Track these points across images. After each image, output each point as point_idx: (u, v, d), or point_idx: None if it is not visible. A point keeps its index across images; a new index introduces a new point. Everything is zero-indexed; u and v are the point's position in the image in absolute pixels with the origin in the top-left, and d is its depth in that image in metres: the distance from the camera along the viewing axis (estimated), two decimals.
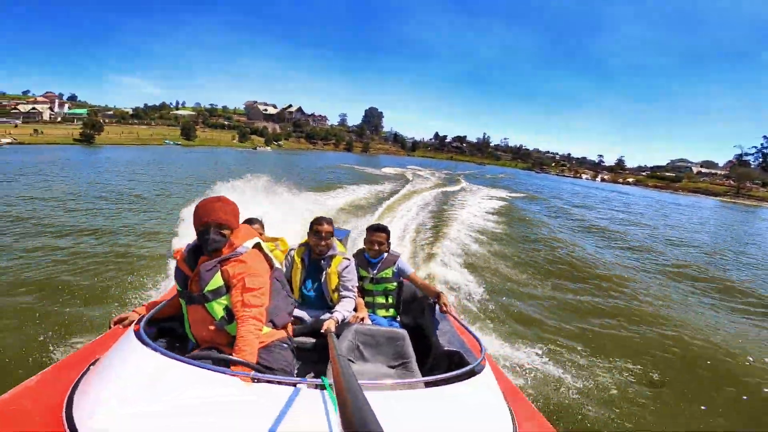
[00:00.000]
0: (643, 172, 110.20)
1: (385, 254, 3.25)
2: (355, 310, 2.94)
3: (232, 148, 68.59)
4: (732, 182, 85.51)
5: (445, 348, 2.50)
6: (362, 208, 13.55)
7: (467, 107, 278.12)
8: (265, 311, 1.97)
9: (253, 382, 1.58)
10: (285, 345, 2.08)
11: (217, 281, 1.94)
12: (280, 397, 1.51)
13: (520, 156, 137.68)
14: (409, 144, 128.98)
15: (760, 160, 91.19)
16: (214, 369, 1.62)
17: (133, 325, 2.00)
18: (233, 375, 1.59)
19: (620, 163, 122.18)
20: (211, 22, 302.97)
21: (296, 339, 2.60)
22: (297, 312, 2.74)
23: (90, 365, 1.89)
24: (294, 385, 1.59)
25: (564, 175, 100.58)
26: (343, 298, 2.89)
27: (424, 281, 3.32)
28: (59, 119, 77.57)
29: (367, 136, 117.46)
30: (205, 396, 1.50)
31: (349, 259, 2.99)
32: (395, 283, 3.25)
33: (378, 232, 3.22)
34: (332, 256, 2.95)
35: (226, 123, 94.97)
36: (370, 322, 2.87)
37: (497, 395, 1.96)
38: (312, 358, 2.56)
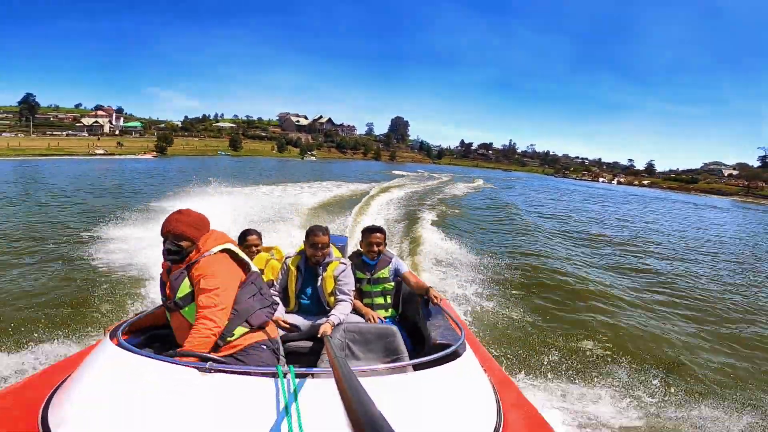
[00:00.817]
0: (673, 174, 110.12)
1: (382, 255, 3.25)
2: (362, 315, 3.02)
3: (287, 159, 76.56)
4: (744, 182, 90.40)
5: (438, 341, 2.52)
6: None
7: (494, 114, 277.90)
8: (222, 311, 1.96)
9: (209, 372, 1.61)
10: (263, 347, 2.08)
11: (185, 287, 2.02)
12: (233, 386, 1.56)
13: (548, 162, 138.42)
14: (435, 152, 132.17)
15: None
16: (169, 360, 1.67)
17: (110, 332, 2.02)
18: (186, 366, 1.64)
19: (650, 167, 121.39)
20: (242, 35, 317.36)
21: (292, 344, 2.74)
22: (291, 318, 2.85)
23: (64, 379, 1.92)
24: (248, 374, 1.64)
25: (583, 179, 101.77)
26: (340, 301, 2.90)
27: (416, 279, 3.37)
28: (117, 132, 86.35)
29: (394, 145, 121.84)
30: (160, 386, 1.57)
31: (345, 263, 3.02)
32: (392, 283, 3.27)
33: (376, 233, 3.23)
34: (329, 263, 2.97)
35: (264, 134, 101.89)
36: (381, 319, 2.98)
37: (480, 374, 2.09)
38: (309, 362, 2.56)
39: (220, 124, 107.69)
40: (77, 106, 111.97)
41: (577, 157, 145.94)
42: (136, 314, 2.43)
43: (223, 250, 2.09)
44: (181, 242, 2.05)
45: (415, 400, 1.69)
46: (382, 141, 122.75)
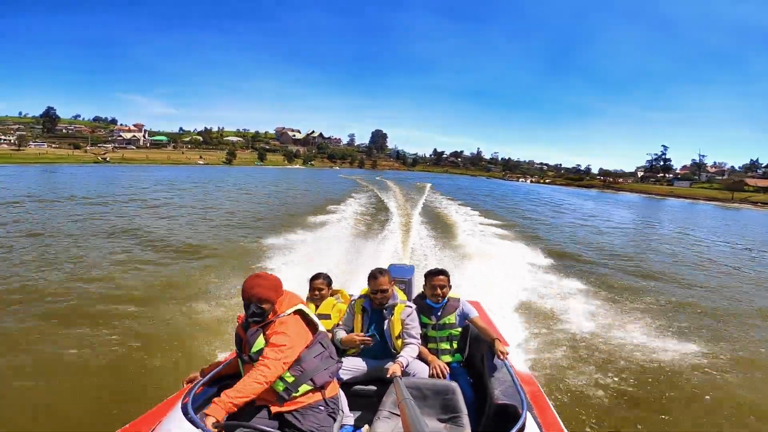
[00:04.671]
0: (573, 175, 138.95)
1: (447, 299, 3.22)
2: (427, 363, 2.93)
3: (298, 168, 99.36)
4: (608, 179, 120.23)
5: (500, 401, 2.41)
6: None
7: (467, 121, 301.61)
8: (282, 364, 2.14)
9: None
10: (321, 408, 2.22)
11: (260, 344, 2.21)
12: None
13: (509, 168, 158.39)
14: (410, 160, 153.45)
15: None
16: None
17: (182, 398, 2.15)
18: None
19: (587, 169, 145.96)
20: (221, 42, 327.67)
21: (358, 387, 2.84)
22: (355, 361, 2.96)
23: None
24: None
25: (511, 180, 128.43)
26: (408, 345, 2.91)
27: (486, 325, 3.22)
28: (148, 144, 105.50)
29: (375, 155, 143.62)
30: None
31: (411, 307, 3.05)
32: (459, 329, 3.20)
33: (438, 276, 3.19)
34: (394, 305, 3.01)
35: (267, 147, 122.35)
36: (447, 371, 2.89)
37: None
38: (374, 405, 2.49)
39: (232, 138, 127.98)
40: (95, 119, 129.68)
41: (541, 163, 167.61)
42: (212, 364, 2.66)
43: (296, 312, 2.30)
44: (264, 305, 2.23)
45: None
46: (365, 151, 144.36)
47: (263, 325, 2.25)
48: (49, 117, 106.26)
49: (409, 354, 2.84)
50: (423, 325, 3.16)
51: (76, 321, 5.82)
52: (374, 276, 3.02)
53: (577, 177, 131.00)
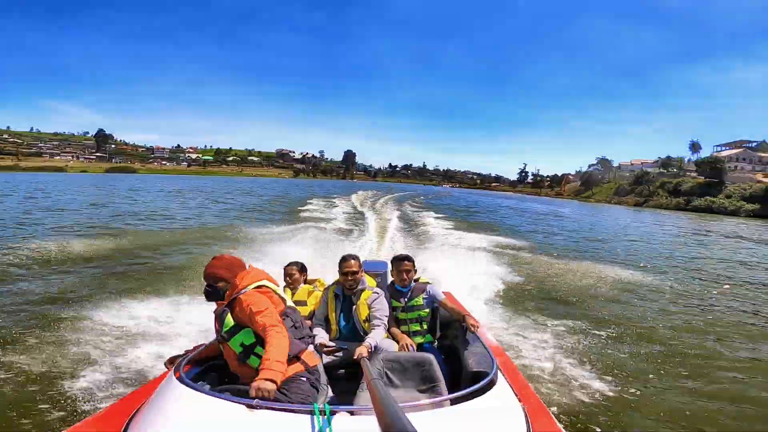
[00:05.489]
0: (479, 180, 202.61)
1: (414, 283, 3.48)
2: (397, 341, 3.17)
3: (307, 179, 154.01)
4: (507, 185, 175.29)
5: (474, 369, 2.61)
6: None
7: (418, 133, 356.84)
8: (280, 323, 2.21)
9: (256, 408, 1.79)
10: (303, 379, 2.26)
11: (229, 322, 2.29)
12: (276, 423, 1.74)
13: (447, 177, 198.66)
14: (372, 172, 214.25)
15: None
16: (222, 397, 1.89)
17: (173, 369, 2.24)
18: (237, 402, 1.82)
19: (498, 176, 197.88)
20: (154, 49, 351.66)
21: (334, 371, 2.94)
22: (331, 343, 3.09)
23: (136, 411, 2.10)
24: (291, 411, 1.79)
25: (436, 185, 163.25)
26: (374, 327, 3.09)
27: (454, 305, 3.53)
28: (201, 162, 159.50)
29: (350, 170, 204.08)
30: (214, 422, 1.77)
31: (377, 292, 3.25)
32: (428, 310, 3.43)
33: (403, 261, 3.46)
34: (362, 290, 3.24)
35: (277, 164, 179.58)
36: (414, 346, 3.09)
37: (513, 405, 2.17)
38: (350, 387, 2.61)
39: (253, 157, 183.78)
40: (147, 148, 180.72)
41: (476, 173, 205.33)
42: (195, 347, 2.71)
43: (259, 287, 2.34)
44: (218, 283, 2.39)
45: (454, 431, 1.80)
46: (341, 167, 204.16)
47: (229, 303, 2.32)
48: (102, 135, 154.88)
49: (375, 336, 2.98)
50: (393, 308, 3.38)
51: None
52: (344, 259, 3.25)
53: (474, 183, 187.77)
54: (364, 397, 2.19)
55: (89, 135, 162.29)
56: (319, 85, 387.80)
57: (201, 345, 2.72)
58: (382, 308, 3.21)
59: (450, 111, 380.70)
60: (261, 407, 1.80)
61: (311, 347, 2.47)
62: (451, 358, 3.17)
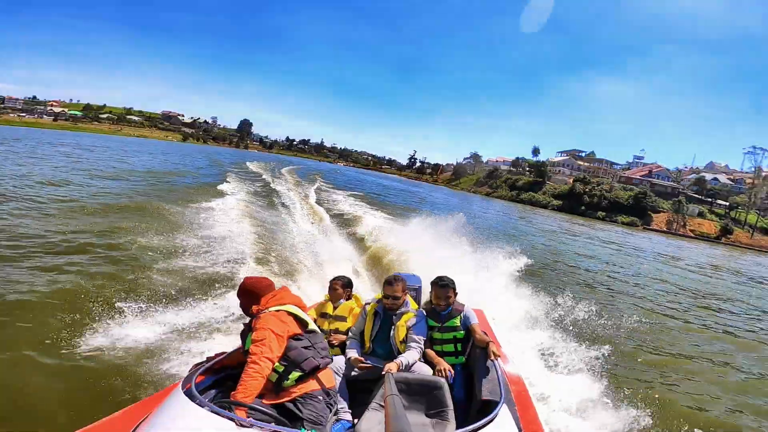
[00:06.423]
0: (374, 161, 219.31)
1: (453, 305, 3.49)
2: (432, 364, 3.14)
3: (198, 144, 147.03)
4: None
5: (485, 397, 2.61)
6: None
7: (320, 110, 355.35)
8: (266, 359, 2.28)
9: (246, 426, 1.83)
10: (319, 398, 2.32)
11: (249, 341, 2.44)
12: None
13: (343, 156, 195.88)
14: (268, 143, 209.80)
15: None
16: (218, 412, 1.93)
17: (182, 380, 2.28)
18: (228, 418, 1.87)
19: (391, 160, 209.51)
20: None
21: (359, 384, 3.02)
22: (364, 359, 3.15)
23: (142, 420, 2.12)
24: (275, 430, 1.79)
25: (328, 161, 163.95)
26: (410, 348, 3.13)
27: (481, 333, 3.42)
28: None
29: (243, 139, 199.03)
30: None
31: (419, 316, 3.30)
32: (463, 332, 3.42)
33: (448, 288, 3.44)
34: (403, 312, 3.28)
35: (161, 126, 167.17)
36: (452, 372, 3.05)
37: None
38: (367, 402, 2.63)
39: (133, 116, 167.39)
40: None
41: (372, 155, 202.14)
42: (217, 354, 2.76)
43: (279, 310, 2.44)
44: (242, 303, 2.62)
45: None
46: (236, 135, 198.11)
47: (250, 322, 2.49)
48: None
49: (408, 356, 3.00)
50: (430, 328, 3.39)
51: None
52: (389, 282, 3.31)
53: (367, 164, 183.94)
54: (367, 416, 2.33)
55: None
56: (221, 45, 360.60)
57: (223, 353, 2.78)
58: (421, 332, 3.28)
59: (357, 93, 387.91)
60: (252, 426, 1.89)
61: (331, 368, 2.65)
62: (471, 382, 3.21)
